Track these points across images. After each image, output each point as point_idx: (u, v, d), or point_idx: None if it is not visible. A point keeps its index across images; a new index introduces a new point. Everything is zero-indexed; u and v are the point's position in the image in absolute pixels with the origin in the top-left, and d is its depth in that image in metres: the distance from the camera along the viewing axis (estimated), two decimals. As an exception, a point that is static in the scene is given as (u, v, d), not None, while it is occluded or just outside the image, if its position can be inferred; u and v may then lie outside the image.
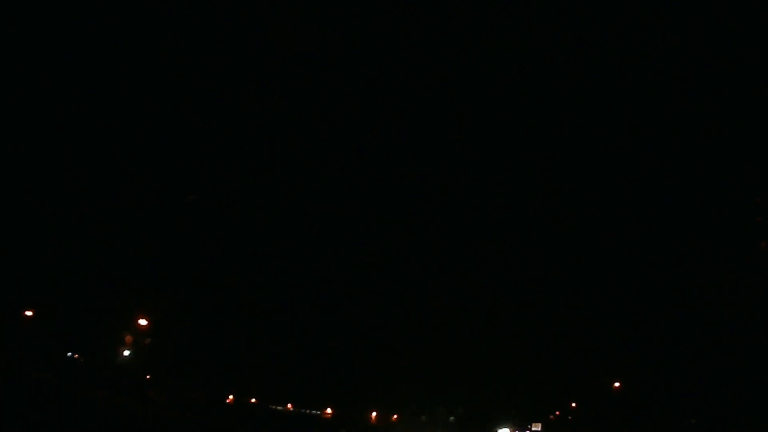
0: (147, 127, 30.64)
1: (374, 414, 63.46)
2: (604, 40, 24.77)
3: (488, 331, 50.73)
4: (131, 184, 33.07)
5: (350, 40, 25.86)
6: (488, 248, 42.52)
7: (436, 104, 29.68)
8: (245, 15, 25.14)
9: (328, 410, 62.24)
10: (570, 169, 33.33)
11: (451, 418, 61.59)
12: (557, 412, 63.54)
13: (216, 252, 39.16)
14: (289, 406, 61.52)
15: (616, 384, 46.50)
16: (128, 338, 35.68)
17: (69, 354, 40.56)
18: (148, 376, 42.37)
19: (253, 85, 28.65)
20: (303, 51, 26.18)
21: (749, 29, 21.75)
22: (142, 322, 35.77)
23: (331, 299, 47.61)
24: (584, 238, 38.22)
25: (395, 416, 65.42)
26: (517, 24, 24.63)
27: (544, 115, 29.77)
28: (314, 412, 62.62)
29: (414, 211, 39.00)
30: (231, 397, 52.58)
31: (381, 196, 37.46)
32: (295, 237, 41.75)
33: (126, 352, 37.75)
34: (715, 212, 30.36)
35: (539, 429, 59.11)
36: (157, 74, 27.97)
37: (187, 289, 39.29)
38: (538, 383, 54.80)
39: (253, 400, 54.99)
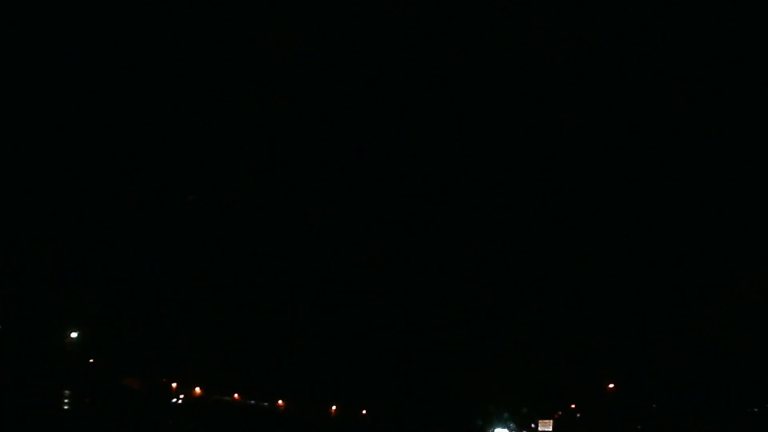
0: (147, 127, 30.63)
1: (334, 408, 59.97)
2: (604, 40, 24.77)
3: (485, 329, 50.67)
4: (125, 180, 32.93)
5: (350, 40, 25.87)
6: (487, 247, 42.54)
7: (436, 104, 29.67)
8: (245, 15, 25.14)
9: (280, 402, 58.02)
10: (570, 169, 33.36)
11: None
12: (572, 405, 61.54)
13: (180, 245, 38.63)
14: (236, 396, 56.21)
15: (611, 385, 46.38)
16: None
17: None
18: (91, 360, 40.63)
19: (253, 85, 28.64)
20: (303, 51, 26.17)
21: (749, 29, 21.76)
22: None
23: (328, 291, 47.19)
24: (586, 237, 38.25)
25: (364, 411, 62.20)
26: (517, 24, 24.63)
27: (544, 115, 29.78)
28: (264, 404, 58.02)
29: (412, 209, 39.00)
30: (174, 384, 49.32)
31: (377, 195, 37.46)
32: (293, 236, 41.71)
33: (74, 334, 36.63)
34: (715, 212, 30.37)
35: (549, 429, 56.02)
36: (157, 74, 27.96)
37: (141, 274, 38.33)
38: (538, 381, 54.34)
39: (198, 389, 51.29)
